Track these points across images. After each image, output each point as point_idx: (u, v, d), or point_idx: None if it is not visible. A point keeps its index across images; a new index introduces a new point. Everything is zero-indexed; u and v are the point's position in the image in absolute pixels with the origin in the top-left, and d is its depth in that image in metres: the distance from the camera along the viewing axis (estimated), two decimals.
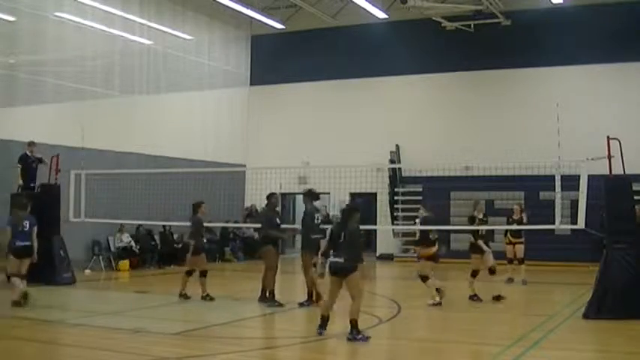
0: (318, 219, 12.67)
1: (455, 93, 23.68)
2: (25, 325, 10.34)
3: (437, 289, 12.46)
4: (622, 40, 21.03)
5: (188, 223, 20.62)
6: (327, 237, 9.82)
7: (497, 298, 12.52)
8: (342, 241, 9.36)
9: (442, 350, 8.80)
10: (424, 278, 12.52)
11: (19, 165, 15.78)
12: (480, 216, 13.08)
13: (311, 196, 12.72)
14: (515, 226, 15.46)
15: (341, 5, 23.78)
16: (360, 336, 9.09)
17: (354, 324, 9.17)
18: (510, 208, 16.49)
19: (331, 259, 9.38)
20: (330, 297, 9.54)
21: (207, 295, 12.98)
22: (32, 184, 16.00)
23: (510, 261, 16.00)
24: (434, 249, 12.42)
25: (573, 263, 18.79)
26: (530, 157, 18.03)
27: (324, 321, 9.51)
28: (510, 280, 15.68)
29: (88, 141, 16.13)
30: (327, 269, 9.48)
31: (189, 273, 13.23)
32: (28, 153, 15.88)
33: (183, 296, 13.08)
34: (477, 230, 12.87)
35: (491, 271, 12.65)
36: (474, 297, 12.66)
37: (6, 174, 16.04)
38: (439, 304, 12.23)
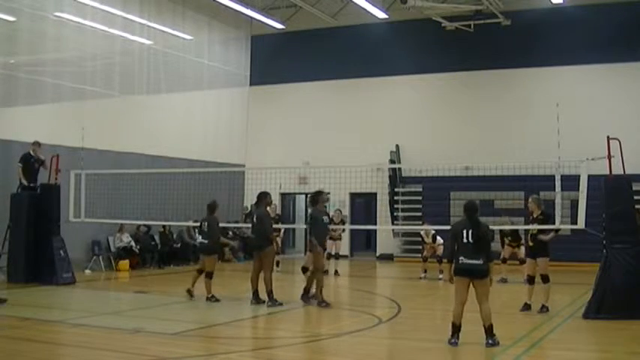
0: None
1: (455, 93, 23.67)
2: (25, 325, 10.34)
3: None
4: (622, 40, 21.03)
5: (187, 223, 20.72)
6: (450, 238, 9.16)
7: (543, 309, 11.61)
8: (476, 241, 8.89)
9: (442, 350, 8.80)
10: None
11: (20, 164, 15.81)
12: (537, 213, 11.73)
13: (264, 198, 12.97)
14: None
15: (341, 5, 23.78)
16: (497, 341, 8.75)
17: (491, 330, 8.79)
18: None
19: (463, 260, 8.85)
20: (461, 302, 8.91)
21: (213, 296, 12.94)
22: (32, 184, 16.01)
23: (504, 261, 16.15)
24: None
25: (573, 263, 18.79)
26: (530, 157, 18.03)
27: (457, 329, 8.92)
28: (504, 281, 15.82)
29: (88, 141, 16.14)
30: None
31: (200, 272, 13.25)
32: (31, 152, 15.90)
33: (189, 292, 13.10)
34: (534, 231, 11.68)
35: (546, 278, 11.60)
36: (529, 305, 11.73)
37: (6, 174, 16.04)
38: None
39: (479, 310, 8.85)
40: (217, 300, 12.83)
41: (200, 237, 13.54)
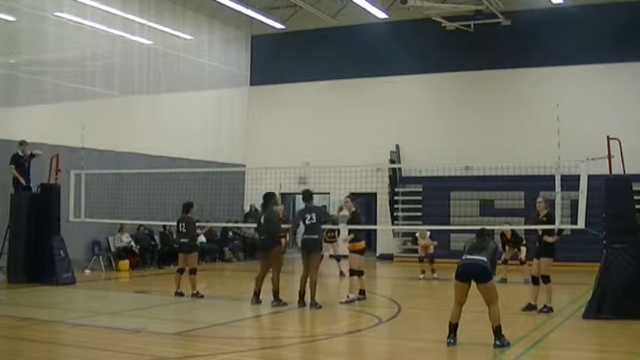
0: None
1: (455, 93, 23.67)
2: (25, 325, 10.34)
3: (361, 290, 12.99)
4: (622, 40, 21.04)
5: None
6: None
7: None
8: (484, 243, 9.00)
9: (442, 350, 8.79)
10: (359, 273, 12.78)
11: (12, 165, 15.81)
12: (543, 214, 11.76)
13: (271, 199, 13.04)
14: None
15: (341, 5, 23.78)
16: (506, 342, 8.70)
17: (499, 331, 8.71)
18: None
19: (467, 256, 8.85)
20: (459, 303, 8.89)
21: (197, 292, 13.29)
22: (27, 184, 16.02)
23: (505, 262, 16.16)
24: (363, 243, 13.08)
25: (573, 263, 18.78)
26: (530, 157, 18.03)
27: (454, 328, 8.91)
28: (504, 281, 15.83)
29: (88, 141, 16.14)
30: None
31: (180, 271, 13.62)
32: (19, 153, 15.92)
33: (178, 294, 13.38)
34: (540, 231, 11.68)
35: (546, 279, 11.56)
36: (533, 306, 11.62)
37: (6, 174, 16.04)
38: (353, 301, 12.57)
39: (487, 311, 8.83)
40: (202, 296, 13.18)
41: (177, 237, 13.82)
